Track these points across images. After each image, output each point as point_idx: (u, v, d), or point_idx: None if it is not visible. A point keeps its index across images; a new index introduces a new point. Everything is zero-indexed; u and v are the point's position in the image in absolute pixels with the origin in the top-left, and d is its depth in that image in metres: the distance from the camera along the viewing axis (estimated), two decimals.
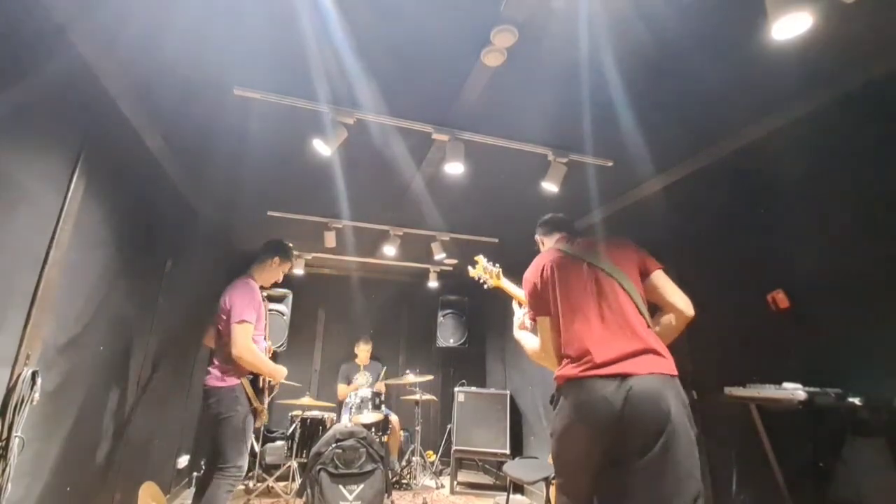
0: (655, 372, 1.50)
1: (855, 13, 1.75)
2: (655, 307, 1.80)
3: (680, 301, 1.74)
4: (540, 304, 1.81)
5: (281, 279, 2.95)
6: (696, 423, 2.78)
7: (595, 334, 1.61)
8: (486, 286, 2.53)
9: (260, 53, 2.13)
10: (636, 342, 1.57)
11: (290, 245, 2.94)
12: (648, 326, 1.65)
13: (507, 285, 2.43)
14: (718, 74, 2.17)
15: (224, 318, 2.57)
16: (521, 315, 2.16)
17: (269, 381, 2.69)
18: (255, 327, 2.57)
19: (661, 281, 1.78)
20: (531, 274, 1.89)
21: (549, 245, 2.12)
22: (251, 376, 2.58)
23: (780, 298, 2.34)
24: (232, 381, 2.50)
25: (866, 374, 1.98)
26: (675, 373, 1.55)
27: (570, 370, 1.61)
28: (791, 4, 1.60)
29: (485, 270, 2.50)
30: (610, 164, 3.01)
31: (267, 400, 2.71)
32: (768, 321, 2.40)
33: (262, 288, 2.78)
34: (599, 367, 1.53)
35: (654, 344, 1.58)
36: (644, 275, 1.78)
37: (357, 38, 2.00)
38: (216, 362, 2.55)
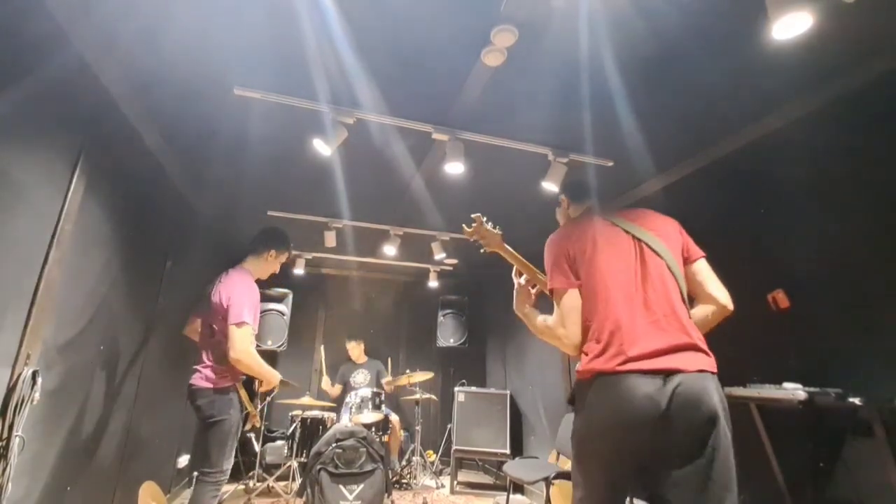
0: (704, 369, 1.34)
1: (855, 13, 1.74)
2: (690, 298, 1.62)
3: (722, 295, 1.57)
4: (566, 273, 1.55)
5: (278, 270, 2.78)
6: None
7: (637, 321, 1.39)
8: (482, 250, 2.17)
9: (260, 53, 2.13)
10: (683, 334, 1.38)
11: (286, 233, 2.77)
12: (690, 316, 1.48)
13: (510, 251, 2.08)
14: (718, 74, 2.17)
15: (219, 315, 2.41)
16: (522, 283, 1.88)
17: (261, 385, 2.57)
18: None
19: (705, 270, 1.60)
20: (561, 237, 1.64)
21: (574, 213, 1.89)
22: (244, 377, 2.47)
23: (780, 298, 2.34)
24: (225, 382, 2.37)
25: (866, 374, 1.98)
26: (716, 369, 1.39)
27: (603, 363, 1.37)
28: (791, 4, 1.60)
29: (482, 233, 2.08)
30: (610, 163, 3.01)
31: (260, 405, 2.62)
32: (768, 321, 2.40)
33: (258, 280, 2.61)
34: (640, 360, 1.33)
35: (699, 338, 1.42)
36: (687, 260, 1.59)
37: (357, 37, 2.00)
38: (207, 361, 2.40)
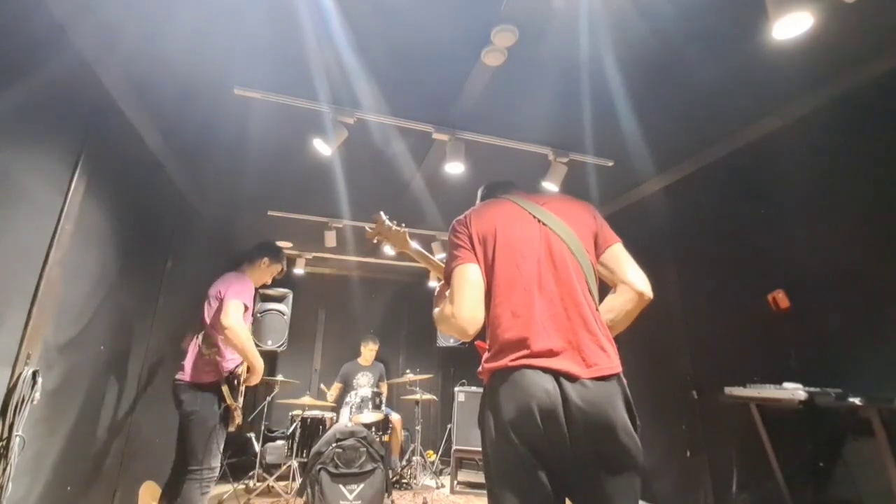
0: (601, 375, 1.20)
1: (855, 13, 1.75)
2: (606, 288, 1.46)
3: (640, 281, 1.38)
4: (466, 252, 1.38)
5: (269, 281, 2.89)
6: (695, 423, 2.82)
7: (536, 313, 1.26)
8: (388, 252, 2.07)
9: (260, 53, 2.13)
10: (583, 333, 1.24)
11: (281, 248, 2.89)
12: (596, 309, 1.33)
13: (417, 249, 1.94)
14: (719, 74, 2.17)
15: (214, 304, 2.50)
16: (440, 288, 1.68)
17: (242, 380, 2.59)
18: (245, 317, 2.49)
19: (621, 255, 1.42)
20: (463, 216, 1.49)
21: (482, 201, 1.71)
22: (227, 374, 2.50)
23: (780, 298, 2.34)
24: (208, 378, 2.42)
25: (866, 374, 1.98)
26: (620, 369, 1.25)
27: (500, 359, 1.24)
28: (792, 4, 1.60)
29: (385, 233, 1.93)
30: (610, 163, 3.01)
31: (241, 400, 2.61)
32: (768, 321, 2.40)
33: None
34: (537, 357, 1.20)
35: (602, 334, 1.28)
36: (600, 247, 1.43)
37: (357, 37, 2.00)
38: (192, 359, 2.47)
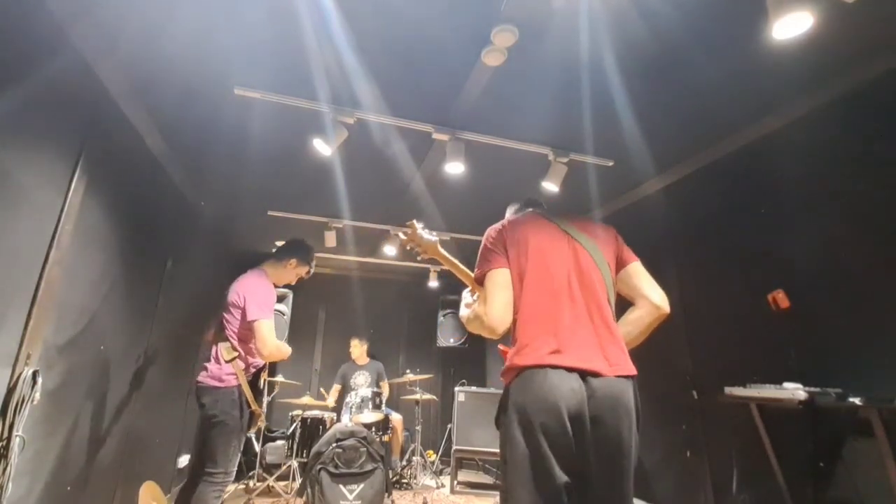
0: (621, 374, 1.32)
1: (855, 13, 1.74)
2: (626, 304, 1.58)
3: (657, 296, 1.51)
4: (499, 258, 1.48)
5: (293, 282, 2.77)
6: (695, 423, 2.82)
7: (564, 317, 1.36)
8: (418, 258, 2.11)
9: (260, 53, 2.13)
10: (606, 336, 1.36)
11: (312, 249, 2.75)
12: (614, 318, 1.46)
13: (447, 258, 2.00)
14: (719, 74, 2.17)
15: (235, 312, 2.42)
16: (468, 298, 1.78)
17: (266, 382, 2.60)
18: None
19: (640, 273, 1.55)
20: (498, 225, 1.58)
21: (513, 216, 1.78)
22: (251, 378, 2.47)
23: (780, 298, 2.34)
24: (231, 381, 2.37)
25: (866, 374, 1.98)
26: (636, 372, 1.37)
27: (526, 357, 1.31)
28: (792, 4, 1.60)
29: (418, 240, 2.00)
30: (610, 163, 3.01)
31: (266, 402, 2.62)
32: (768, 321, 2.40)
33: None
34: (562, 356, 1.29)
35: (620, 338, 1.40)
36: (620, 264, 1.56)
37: (358, 37, 2.00)
38: (215, 359, 2.40)
